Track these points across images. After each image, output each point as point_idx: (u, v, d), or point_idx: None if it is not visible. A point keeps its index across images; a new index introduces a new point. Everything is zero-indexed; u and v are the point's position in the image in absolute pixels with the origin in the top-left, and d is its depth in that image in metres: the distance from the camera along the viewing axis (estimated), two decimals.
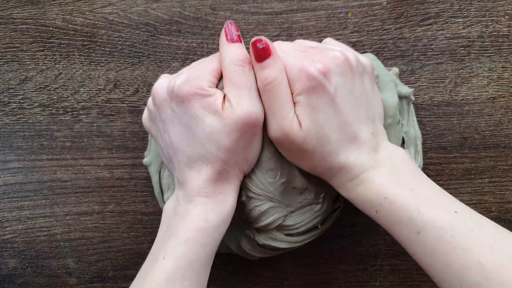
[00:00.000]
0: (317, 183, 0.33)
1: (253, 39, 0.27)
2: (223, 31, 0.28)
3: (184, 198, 0.28)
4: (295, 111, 0.27)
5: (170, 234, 0.27)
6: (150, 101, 0.31)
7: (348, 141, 0.27)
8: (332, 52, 0.27)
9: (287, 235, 0.35)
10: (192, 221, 0.27)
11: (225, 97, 0.27)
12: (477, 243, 0.23)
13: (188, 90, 0.27)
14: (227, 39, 0.28)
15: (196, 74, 0.28)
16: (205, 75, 0.28)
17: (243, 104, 0.27)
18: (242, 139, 0.27)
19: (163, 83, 0.29)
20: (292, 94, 0.27)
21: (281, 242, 0.35)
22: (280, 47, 0.28)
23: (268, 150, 0.30)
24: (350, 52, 0.29)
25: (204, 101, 0.27)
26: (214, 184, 0.28)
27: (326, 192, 0.34)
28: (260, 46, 0.27)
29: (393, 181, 0.26)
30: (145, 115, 0.33)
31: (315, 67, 0.26)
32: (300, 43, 0.30)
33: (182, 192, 0.29)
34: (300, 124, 0.27)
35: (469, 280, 0.22)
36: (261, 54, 0.27)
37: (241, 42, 0.28)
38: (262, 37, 0.27)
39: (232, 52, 0.28)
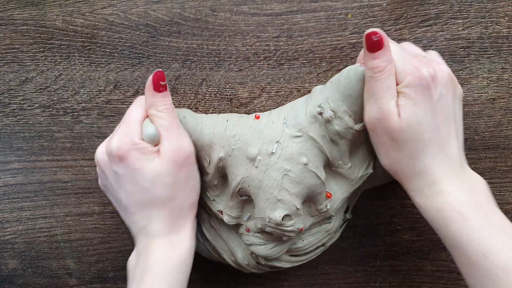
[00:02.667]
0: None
1: (368, 31, 0.28)
2: (149, 79, 0.31)
3: (144, 246, 0.30)
4: (397, 101, 0.28)
5: (138, 283, 0.29)
6: (97, 168, 0.33)
7: (437, 148, 0.28)
8: (440, 64, 0.29)
9: (292, 255, 0.35)
10: (154, 268, 0.29)
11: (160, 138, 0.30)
12: None
13: (124, 148, 0.29)
14: (154, 89, 0.31)
15: (125, 131, 0.30)
16: (133, 129, 0.30)
17: (173, 142, 0.30)
18: (181, 172, 0.30)
19: (102, 148, 0.32)
20: (397, 84, 0.28)
21: (285, 262, 0.35)
22: (392, 46, 0.29)
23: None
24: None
25: (140, 153, 0.29)
26: (169, 225, 0.31)
27: (338, 208, 0.34)
28: (375, 38, 0.28)
29: (472, 202, 0.27)
30: (99, 180, 0.34)
31: (427, 69, 0.28)
32: (408, 48, 0.32)
33: (141, 242, 0.31)
34: (399, 114, 0.28)
35: None
36: (375, 46, 0.28)
37: (166, 90, 0.31)
38: (378, 30, 0.28)
39: (160, 102, 0.31)
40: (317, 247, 0.35)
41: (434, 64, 0.29)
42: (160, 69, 0.31)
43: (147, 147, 0.30)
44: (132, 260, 0.32)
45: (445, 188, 0.28)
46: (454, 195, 0.27)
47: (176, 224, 0.31)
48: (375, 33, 0.28)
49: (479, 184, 0.29)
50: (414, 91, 0.28)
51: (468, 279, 0.27)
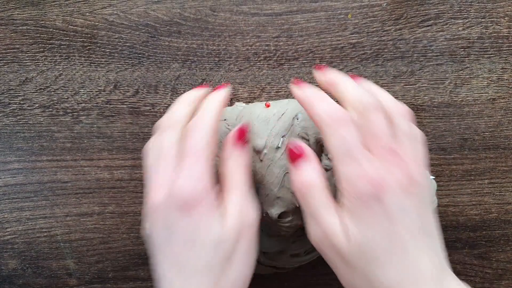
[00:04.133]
0: None
1: (289, 144, 0.26)
2: (237, 129, 0.26)
3: None
4: (339, 216, 0.23)
5: None
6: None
7: (401, 265, 0.23)
8: (393, 164, 0.23)
9: (292, 255, 0.35)
10: None
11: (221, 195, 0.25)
12: None
13: (196, 196, 0.23)
14: (237, 142, 0.26)
15: (199, 170, 0.24)
16: (207, 169, 0.24)
17: (242, 205, 0.25)
18: (242, 242, 0.25)
19: (159, 182, 0.24)
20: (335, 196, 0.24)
21: (285, 262, 0.34)
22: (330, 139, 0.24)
23: None
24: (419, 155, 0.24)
25: (210, 206, 0.24)
26: None
27: None
28: (293, 149, 0.25)
29: None
30: (147, 227, 0.26)
31: (367, 181, 0.22)
32: (366, 100, 0.25)
33: None
34: (346, 232, 0.23)
35: None
36: (293, 157, 0.25)
37: (247, 144, 0.27)
38: (295, 142, 0.25)
39: (240, 157, 0.26)
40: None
41: (385, 162, 0.23)
42: (247, 124, 0.27)
43: (215, 200, 0.24)
44: None
45: None
46: None
47: None
48: (293, 145, 0.25)
49: None
50: (355, 206, 0.22)
51: None
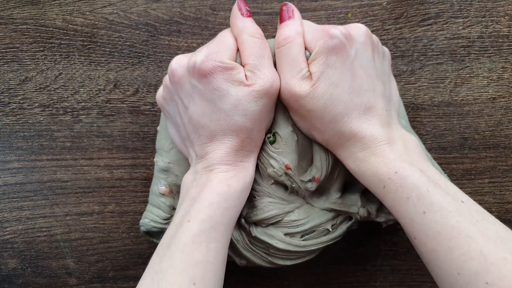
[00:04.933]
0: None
1: (281, 4, 0.30)
2: (235, 6, 0.30)
3: (205, 169, 0.29)
4: (309, 69, 0.28)
5: (192, 200, 0.28)
6: (166, 78, 0.31)
7: (362, 108, 0.27)
8: (357, 25, 0.28)
9: (287, 234, 0.33)
10: (215, 187, 0.28)
11: (246, 69, 0.28)
12: (481, 234, 0.23)
13: (210, 64, 0.27)
14: (241, 14, 0.29)
15: (216, 49, 0.28)
16: (225, 50, 0.28)
17: (266, 73, 0.28)
18: (268, 104, 0.29)
19: (182, 60, 0.29)
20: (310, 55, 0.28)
21: (277, 241, 0.33)
22: (304, 21, 0.30)
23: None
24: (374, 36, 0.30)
25: (227, 74, 0.27)
26: (236, 153, 0.29)
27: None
28: (285, 8, 0.29)
29: (405, 159, 0.26)
30: (159, 94, 0.33)
31: (338, 29, 0.27)
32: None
33: (201, 164, 0.29)
34: (312, 82, 0.27)
35: (468, 269, 0.22)
36: (284, 16, 0.29)
37: (251, 17, 0.30)
38: (288, 3, 0.29)
39: (250, 26, 0.29)
40: (315, 232, 0.33)
41: (349, 25, 0.28)
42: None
43: (239, 72, 0.28)
44: (188, 177, 0.30)
45: (377, 149, 0.27)
46: (387, 156, 0.26)
47: (243, 154, 0.29)
48: (285, 4, 0.29)
49: (409, 140, 0.28)
50: (326, 53, 0.27)
51: (412, 240, 0.26)
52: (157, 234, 0.36)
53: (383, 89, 0.29)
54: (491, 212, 0.40)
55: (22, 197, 0.40)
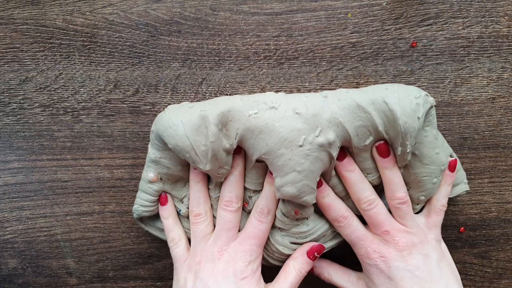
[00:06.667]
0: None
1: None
2: (311, 246, 0.35)
3: None
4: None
5: None
6: None
7: None
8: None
9: (293, 243, 0.35)
10: None
11: None
12: None
13: None
14: (309, 257, 0.34)
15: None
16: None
17: None
18: None
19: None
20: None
21: (284, 247, 0.34)
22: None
23: None
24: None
25: None
26: None
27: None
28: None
29: None
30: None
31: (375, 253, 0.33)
32: None
33: None
34: None
35: None
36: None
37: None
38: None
39: (307, 267, 0.35)
40: (323, 235, 0.35)
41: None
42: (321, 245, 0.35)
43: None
44: None
45: None
46: None
47: None
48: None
49: None
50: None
51: None
52: (148, 220, 0.37)
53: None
54: (490, 212, 0.40)
55: (23, 197, 0.40)
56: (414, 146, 0.31)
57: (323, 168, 0.31)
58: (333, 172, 0.33)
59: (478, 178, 0.40)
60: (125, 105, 0.39)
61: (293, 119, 0.30)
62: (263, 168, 0.33)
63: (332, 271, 0.37)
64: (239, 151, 0.33)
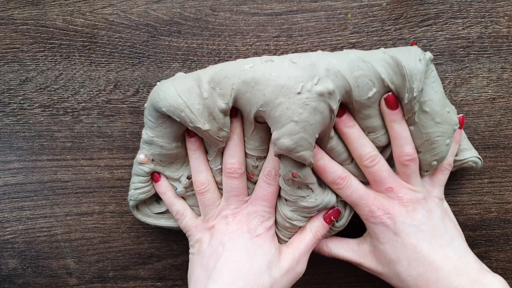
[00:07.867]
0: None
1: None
2: (328, 213, 0.35)
3: None
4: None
5: None
6: None
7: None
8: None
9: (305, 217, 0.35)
10: None
11: None
12: None
13: None
14: (326, 221, 0.35)
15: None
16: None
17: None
18: None
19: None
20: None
21: (297, 221, 0.35)
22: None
23: None
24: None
25: None
26: None
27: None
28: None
29: None
30: None
31: (379, 210, 0.33)
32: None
33: None
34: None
35: None
36: None
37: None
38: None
39: (324, 231, 0.35)
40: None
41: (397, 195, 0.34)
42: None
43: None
44: None
45: None
46: None
47: None
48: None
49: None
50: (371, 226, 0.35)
51: None
52: (144, 208, 0.38)
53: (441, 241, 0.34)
54: (490, 212, 0.40)
55: (23, 197, 0.40)
56: (421, 93, 0.30)
57: (322, 124, 0.30)
58: (332, 133, 0.32)
59: (478, 178, 0.40)
60: (125, 106, 0.39)
61: (290, 67, 0.29)
62: (265, 131, 0.33)
63: (330, 244, 0.37)
64: (236, 113, 0.33)
